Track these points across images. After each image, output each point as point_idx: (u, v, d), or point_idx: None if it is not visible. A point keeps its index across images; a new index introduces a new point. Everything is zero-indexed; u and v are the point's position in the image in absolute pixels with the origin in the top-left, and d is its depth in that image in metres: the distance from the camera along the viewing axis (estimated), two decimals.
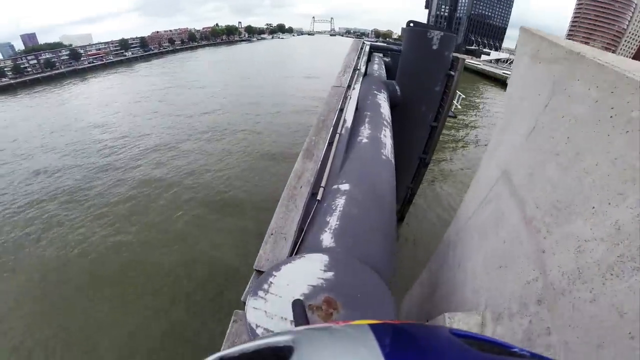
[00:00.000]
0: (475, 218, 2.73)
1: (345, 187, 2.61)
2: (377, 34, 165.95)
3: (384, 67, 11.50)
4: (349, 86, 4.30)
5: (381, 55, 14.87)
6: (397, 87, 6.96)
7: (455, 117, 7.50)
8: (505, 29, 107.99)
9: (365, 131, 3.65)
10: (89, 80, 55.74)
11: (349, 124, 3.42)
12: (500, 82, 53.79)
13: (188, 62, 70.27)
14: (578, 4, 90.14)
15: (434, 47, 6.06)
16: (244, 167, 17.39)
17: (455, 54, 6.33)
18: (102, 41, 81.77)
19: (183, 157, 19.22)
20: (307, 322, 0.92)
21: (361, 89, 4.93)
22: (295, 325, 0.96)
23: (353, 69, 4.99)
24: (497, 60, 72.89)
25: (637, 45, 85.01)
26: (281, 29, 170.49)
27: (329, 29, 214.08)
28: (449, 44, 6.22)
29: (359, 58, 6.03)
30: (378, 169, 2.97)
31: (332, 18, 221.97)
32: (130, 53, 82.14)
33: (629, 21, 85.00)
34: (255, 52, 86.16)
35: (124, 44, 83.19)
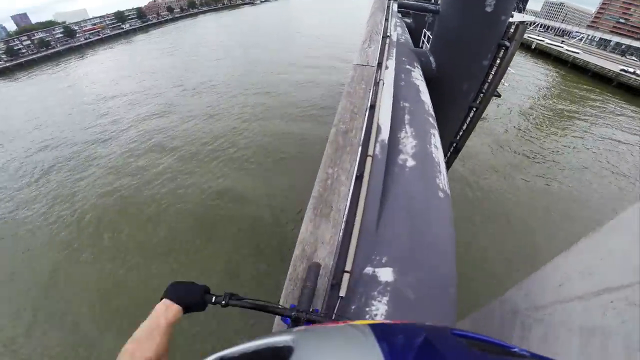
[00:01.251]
0: (581, 307, 1.65)
1: (386, 274, 1.45)
2: None
3: (407, 30, 9.58)
4: (379, 64, 2.87)
5: (400, 15, 12.67)
6: (431, 59, 5.37)
7: (499, 96, 5.91)
8: None
9: (407, 142, 2.35)
10: (87, 56, 54.10)
11: (385, 134, 2.12)
12: (521, 46, 49.08)
13: (188, 30, 66.94)
14: None
15: (488, 10, 4.34)
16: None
17: (511, 20, 4.63)
18: (98, 15, 77.92)
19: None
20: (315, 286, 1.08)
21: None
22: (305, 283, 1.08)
23: (382, 35, 3.46)
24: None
25: None
26: None
27: None
28: (508, 6, 4.48)
29: (386, 20, 4.37)
30: (437, 223, 1.75)
31: None
32: (127, 25, 78.37)
33: None
34: (258, 16, 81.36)
35: (119, 17, 79.04)
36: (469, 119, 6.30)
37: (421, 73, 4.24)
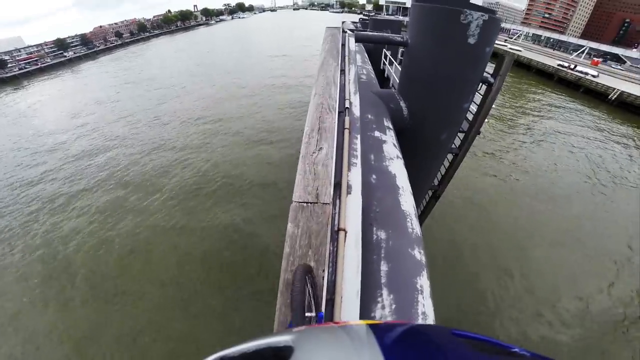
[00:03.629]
0: None
1: None
2: (342, 4, 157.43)
3: (366, 55, 8.75)
4: (336, 187, 1.66)
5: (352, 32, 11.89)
6: (402, 104, 4.39)
7: (479, 134, 5.12)
8: None
9: None
10: (23, 88, 48.54)
11: None
12: None
13: (137, 57, 63.07)
14: None
15: (471, 41, 3.45)
16: None
17: (496, 47, 3.78)
18: (35, 43, 71.02)
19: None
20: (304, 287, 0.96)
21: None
22: (293, 287, 0.97)
23: (339, 110, 2.19)
24: None
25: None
26: (241, 8, 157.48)
27: (292, 3, 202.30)
28: (493, 36, 3.63)
29: (342, 72, 3.12)
30: None
31: None
32: (72, 53, 72.26)
33: None
34: (213, 37, 79.76)
35: (60, 44, 72.81)
36: (447, 162, 5.45)
37: (395, 139, 3.20)
